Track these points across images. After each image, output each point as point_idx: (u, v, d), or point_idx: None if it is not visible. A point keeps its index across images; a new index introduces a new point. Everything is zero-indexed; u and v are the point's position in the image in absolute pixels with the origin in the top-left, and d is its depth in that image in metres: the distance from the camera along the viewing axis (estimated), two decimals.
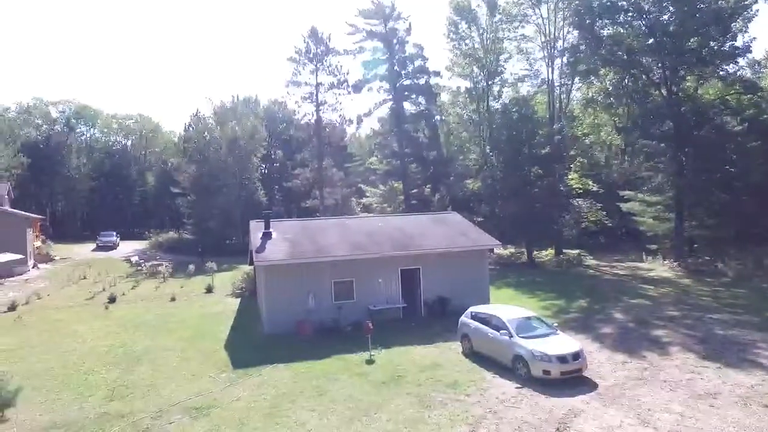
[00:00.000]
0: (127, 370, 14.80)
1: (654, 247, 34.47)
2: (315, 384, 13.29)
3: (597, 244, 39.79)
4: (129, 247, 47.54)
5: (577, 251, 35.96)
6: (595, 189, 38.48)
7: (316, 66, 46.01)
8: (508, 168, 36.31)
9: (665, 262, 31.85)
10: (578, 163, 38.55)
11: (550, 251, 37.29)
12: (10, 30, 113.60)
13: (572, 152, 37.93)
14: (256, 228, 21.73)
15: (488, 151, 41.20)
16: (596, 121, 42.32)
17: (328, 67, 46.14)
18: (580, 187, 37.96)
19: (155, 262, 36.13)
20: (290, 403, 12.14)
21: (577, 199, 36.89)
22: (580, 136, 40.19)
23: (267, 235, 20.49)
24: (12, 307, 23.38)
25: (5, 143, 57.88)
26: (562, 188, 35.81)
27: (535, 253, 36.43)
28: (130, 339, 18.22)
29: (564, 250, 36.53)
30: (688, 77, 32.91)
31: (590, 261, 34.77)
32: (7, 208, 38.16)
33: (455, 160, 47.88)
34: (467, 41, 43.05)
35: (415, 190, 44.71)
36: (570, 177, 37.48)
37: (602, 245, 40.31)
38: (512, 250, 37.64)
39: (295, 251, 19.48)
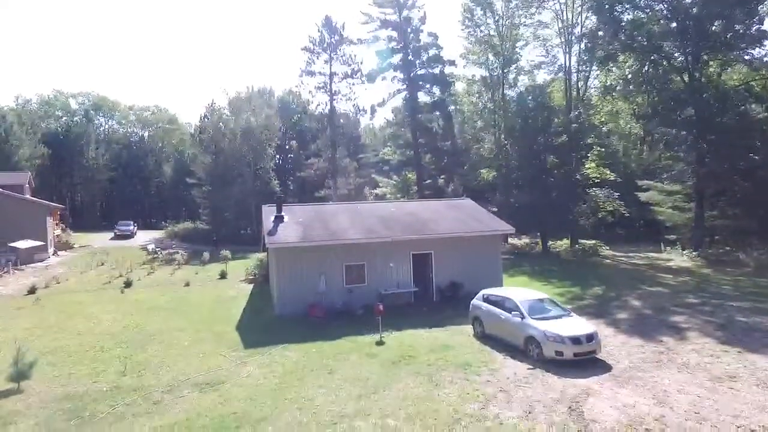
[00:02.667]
0: (141, 349, 14.96)
1: (673, 237, 33.71)
2: (324, 363, 13.26)
3: (614, 236, 39.07)
4: (146, 236, 48.19)
5: (593, 241, 35.37)
6: (612, 178, 37.70)
7: (330, 55, 45.94)
8: (524, 157, 35.86)
9: (684, 252, 31.11)
10: (596, 152, 37.78)
11: (566, 241, 36.75)
12: (32, 23, 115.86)
13: (589, 141, 37.08)
14: (268, 212, 21.78)
15: (503, 140, 40.63)
16: (614, 108, 41.38)
17: (342, 56, 46.06)
18: (598, 176, 37.15)
19: (171, 250, 36.63)
20: (299, 380, 12.13)
21: (594, 189, 36.19)
22: (598, 124, 39.24)
23: (279, 219, 20.52)
24: (31, 291, 23.85)
25: (27, 134, 59.06)
26: (578, 177, 35.18)
27: (551, 243, 35.93)
28: (144, 320, 18.43)
29: (580, 240, 35.96)
30: (711, 62, 32.01)
31: (606, 251, 34.15)
32: (28, 196, 38.87)
33: (469, 150, 47.31)
34: (482, 28, 42.39)
35: (428, 181, 44.38)
36: (587, 166, 36.77)
37: (619, 236, 39.58)
38: (527, 240, 37.25)
39: (306, 234, 19.47)
